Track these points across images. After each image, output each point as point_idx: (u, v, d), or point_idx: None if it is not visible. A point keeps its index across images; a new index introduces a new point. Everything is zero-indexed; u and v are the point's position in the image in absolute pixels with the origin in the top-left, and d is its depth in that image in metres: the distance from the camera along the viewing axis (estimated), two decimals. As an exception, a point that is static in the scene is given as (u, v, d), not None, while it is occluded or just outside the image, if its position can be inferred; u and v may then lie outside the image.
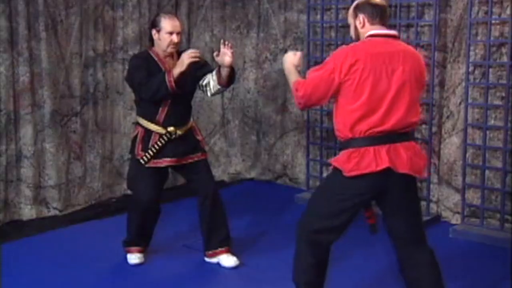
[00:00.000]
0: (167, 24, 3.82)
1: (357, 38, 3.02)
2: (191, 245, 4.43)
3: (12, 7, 4.80)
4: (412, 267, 3.01)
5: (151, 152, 3.87)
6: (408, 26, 5.08)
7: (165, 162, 3.93)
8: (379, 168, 2.80)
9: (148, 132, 3.91)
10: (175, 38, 3.82)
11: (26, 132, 4.97)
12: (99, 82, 5.45)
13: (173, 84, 3.68)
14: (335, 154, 4.93)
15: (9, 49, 4.81)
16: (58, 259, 4.21)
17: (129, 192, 5.47)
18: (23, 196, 5.02)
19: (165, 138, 3.88)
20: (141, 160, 3.88)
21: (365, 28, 2.97)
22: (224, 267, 4.04)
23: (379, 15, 2.96)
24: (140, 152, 3.90)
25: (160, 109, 3.86)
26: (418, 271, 3.00)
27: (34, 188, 5.05)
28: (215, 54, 3.79)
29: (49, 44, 5.01)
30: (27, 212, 5.03)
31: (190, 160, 3.99)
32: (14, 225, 4.91)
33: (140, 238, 4.11)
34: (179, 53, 3.93)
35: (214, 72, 3.90)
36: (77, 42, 5.23)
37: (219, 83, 3.89)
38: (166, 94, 3.74)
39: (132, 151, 4.00)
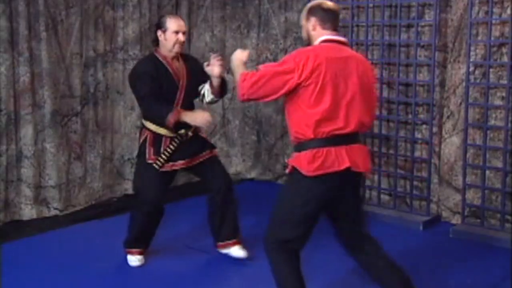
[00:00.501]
0: (173, 23, 3.86)
1: (308, 40, 3.08)
2: (191, 245, 4.43)
3: (13, 7, 4.80)
4: (367, 262, 3.09)
5: (164, 157, 3.87)
6: (409, 26, 5.07)
7: (178, 165, 3.95)
8: (341, 168, 2.86)
9: (157, 136, 3.91)
10: (181, 37, 3.87)
11: (27, 132, 4.97)
12: (99, 82, 5.45)
13: (172, 123, 3.74)
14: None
15: (10, 49, 4.81)
16: (58, 259, 4.20)
17: (129, 192, 5.48)
18: (23, 196, 5.02)
19: (176, 141, 3.90)
20: (155, 165, 3.87)
21: (317, 31, 3.03)
22: (227, 266, 4.05)
23: (331, 20, 3.02)
24: (153, 156, 3.89)
25: None
26: (373, 264, 3.07)
27: (35, 188, 5.05)
28: (205, 64, 3.86)
29: (49, 44, 5.02)
30: (28, 212, 5.03)
31: (201, 159, 4.02)
32: (14, 225, 4.91)
33: (142, 239, 4.11)
34: (183, 56, 4.01)
35: (208, 82, 3.95)
36: (77, 42, 5.23)
37: (212, 93, 3.95)
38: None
39: (140, 155, 3.98)
